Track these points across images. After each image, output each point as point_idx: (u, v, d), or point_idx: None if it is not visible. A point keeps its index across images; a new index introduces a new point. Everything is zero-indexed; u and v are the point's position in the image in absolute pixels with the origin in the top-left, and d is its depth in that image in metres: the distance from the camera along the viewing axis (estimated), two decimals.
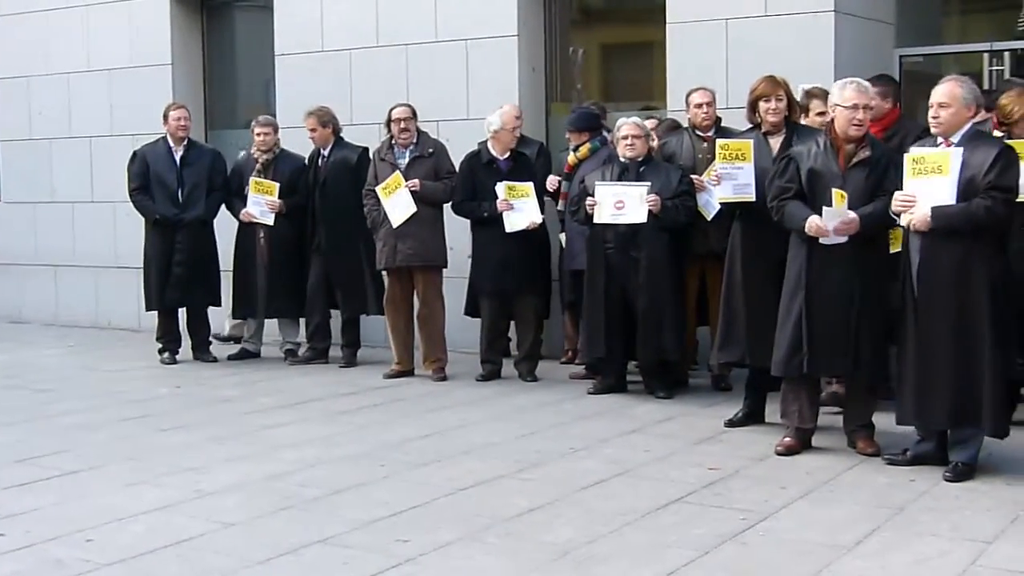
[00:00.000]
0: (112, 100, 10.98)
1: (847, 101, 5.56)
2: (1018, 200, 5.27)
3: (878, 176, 5.57)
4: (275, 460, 5.82)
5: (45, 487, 5.38)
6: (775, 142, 6.25)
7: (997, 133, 5.82)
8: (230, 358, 9.07)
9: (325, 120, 8.64)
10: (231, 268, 8.95)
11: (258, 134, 8.84)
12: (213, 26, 11.07)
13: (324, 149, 8.70)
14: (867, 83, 5.74)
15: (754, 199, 6.16)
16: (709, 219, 7.03)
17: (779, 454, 5.77)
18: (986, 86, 7.69)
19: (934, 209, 5.15)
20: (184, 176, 8.84)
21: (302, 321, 8.95)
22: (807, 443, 5.88)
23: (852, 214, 5.51)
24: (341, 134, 8.74)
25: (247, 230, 8.91)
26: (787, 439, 5.85)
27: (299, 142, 8.94)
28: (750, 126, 6.41)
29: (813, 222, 5.54)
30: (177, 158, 8.87)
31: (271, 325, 9.15)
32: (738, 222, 6.38)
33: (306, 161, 8.86)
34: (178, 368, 8.81)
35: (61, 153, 11.32)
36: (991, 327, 5.14)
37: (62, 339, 10.46)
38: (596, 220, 7.14)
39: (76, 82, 11.19)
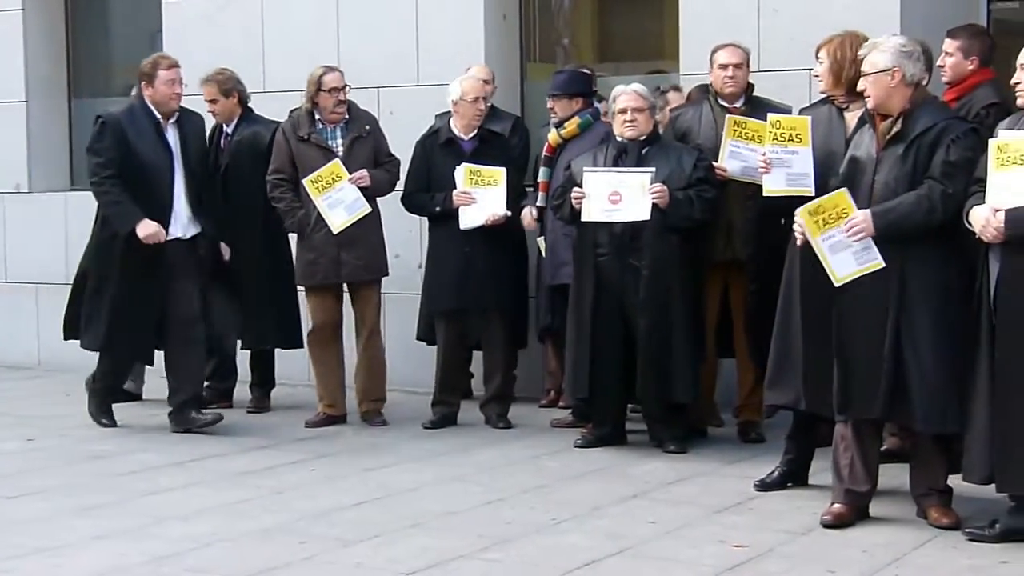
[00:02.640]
0: None
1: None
2: None
3: (920, 156, 5.61)
4: (159, 537, 5.79)
5: None
6: (851, 116, 6.21)
7: None
8: None
9: (227, 87, 8.62)
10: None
11: None
12: None
13: (227, 125, 8.70)
14: (891, 39, 5.79)
15: (812, 192, 6.15)
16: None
17: (826, 526, 5.79)
18: None
19: (1009, 212, 5.21)
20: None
21: None
22: (863, 511, 5.90)
23: (859, 215, 5.58)
24: (250, 104, 8.75)
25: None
26: (836, 506, 5.86)
27: None
28: (823, 95, 6.40)
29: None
30: (174, 145, 8.05)
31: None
32: None
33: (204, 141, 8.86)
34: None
35: None
36: None
37: None
38: (585, 218, 7.17)
39: None
